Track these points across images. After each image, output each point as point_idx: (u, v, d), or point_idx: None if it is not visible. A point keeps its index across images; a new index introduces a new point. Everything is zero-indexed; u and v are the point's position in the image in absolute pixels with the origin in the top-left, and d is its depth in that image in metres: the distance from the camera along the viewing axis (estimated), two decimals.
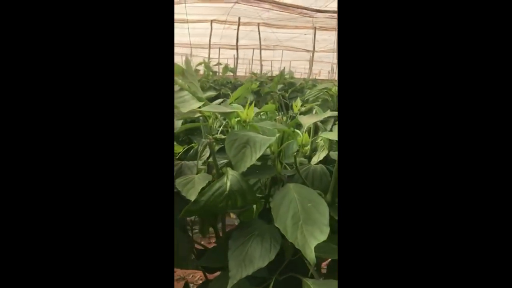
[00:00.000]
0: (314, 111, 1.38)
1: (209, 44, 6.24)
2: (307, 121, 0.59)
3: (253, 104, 0.64)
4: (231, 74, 3.02)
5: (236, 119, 0.64)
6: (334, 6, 6.46)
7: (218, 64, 3.45)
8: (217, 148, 0.67)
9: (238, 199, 0.53)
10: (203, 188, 0.53)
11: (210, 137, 0.60)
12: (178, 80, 0.59)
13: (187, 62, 0.74)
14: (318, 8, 6.52)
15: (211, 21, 6.58)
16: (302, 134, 0.63)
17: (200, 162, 0.70)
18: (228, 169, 0.54)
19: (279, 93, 1.32)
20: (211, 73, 2.61)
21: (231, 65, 3.86)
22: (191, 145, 0.78)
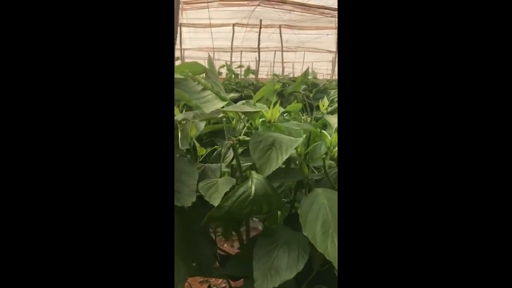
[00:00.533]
0: None
1: (231, 47, 6.29)
2: (336, 120, 0.55)
3: (278, 104, 0.61)
4: (253, 76, 3.00)
5: (261, 120, 0.61)
6: None
7: (240, 66, 3.45)
8: (240, 150, 0.64)
9: (264, 204, 0.50)
10: (226, 193, 0.50)
11: (233, 138, 0.58)
12: (200, 79, 0.57)
13: (210, 62, 0.72)
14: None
15: (233, 25, 6.63)
16: (330, 135, 0.60)
17: (223, 165, 0.67)
18: (253, 172, 0.51)
19: (302, 93, 1.28)
20: (233, 75, 2.60)
21: (253, 68, 3.85)
22: (214, 147, 0.76)
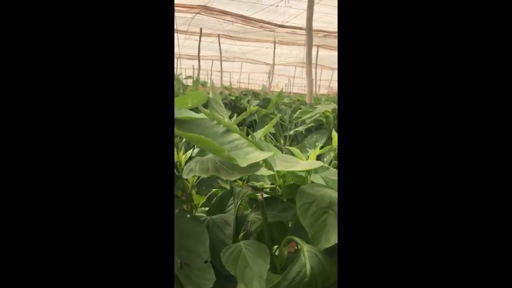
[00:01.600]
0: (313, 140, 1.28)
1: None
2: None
3: (317, 150, 0.50)
4: (203, 86, 2.83)
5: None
6: (294, 22, 6.62)
7: (188, 77, 3.23)
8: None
9: (319, 283, 0.39)
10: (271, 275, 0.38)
11: (259, 195, 0.45)
12: (223, 119, 0.44)
13: (213, 87, 0.58)
14: (279, 23, 6.63)
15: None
16: None
17: (232, 218, 0.54)
18: (304, 244, 0.40)
19: (279, 116, 1.20)
20: (181, 87, 2.41)
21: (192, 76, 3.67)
22: (212, 192, 0.61)
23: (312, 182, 0.48)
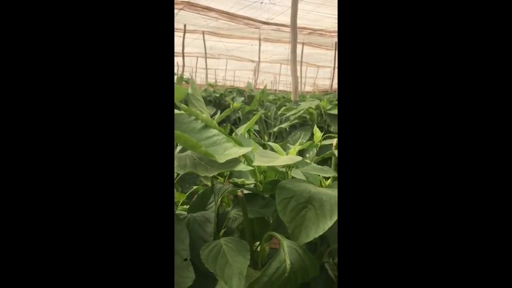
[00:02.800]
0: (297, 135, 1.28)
1: None
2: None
3: (297, 145, 0.50)
4: (186, 83, 2.79)
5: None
6: (279, 19, 6.62)
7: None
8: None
9: (299, 277, 0.39)
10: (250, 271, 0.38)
11: (239, 191, 0.44)
12: (201, 114, 0.43)
13: (192, 82, 0.57)
14: (264, 20, 6.61)
15: None
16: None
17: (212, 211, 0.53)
18: (284, 240, 0.40)
19: (262, 112, 1.20)
20: None
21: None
22: (193, 189, 0.61)
23: (293, 177, 0.48)
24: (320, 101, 1.28)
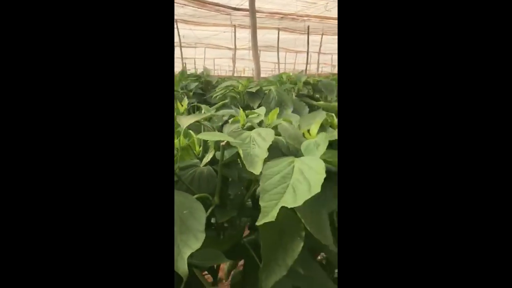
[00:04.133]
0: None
1: None
2: (185, 122, 0.56)
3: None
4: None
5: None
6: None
7: None
8: None
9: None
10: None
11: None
12: None
13: None
14: (235, 6, 6.57)
15: None
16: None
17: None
18: None
19: (181, 92, 1.27)
20: None
21: None
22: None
23: None
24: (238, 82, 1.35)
